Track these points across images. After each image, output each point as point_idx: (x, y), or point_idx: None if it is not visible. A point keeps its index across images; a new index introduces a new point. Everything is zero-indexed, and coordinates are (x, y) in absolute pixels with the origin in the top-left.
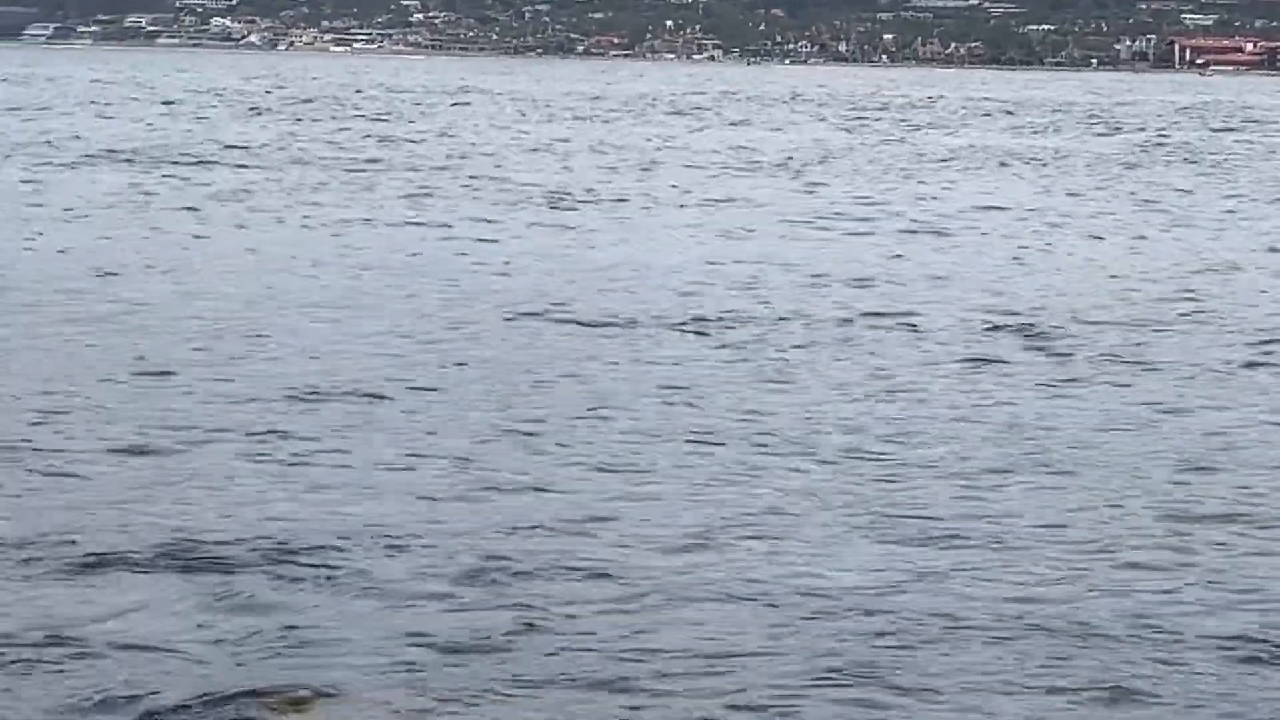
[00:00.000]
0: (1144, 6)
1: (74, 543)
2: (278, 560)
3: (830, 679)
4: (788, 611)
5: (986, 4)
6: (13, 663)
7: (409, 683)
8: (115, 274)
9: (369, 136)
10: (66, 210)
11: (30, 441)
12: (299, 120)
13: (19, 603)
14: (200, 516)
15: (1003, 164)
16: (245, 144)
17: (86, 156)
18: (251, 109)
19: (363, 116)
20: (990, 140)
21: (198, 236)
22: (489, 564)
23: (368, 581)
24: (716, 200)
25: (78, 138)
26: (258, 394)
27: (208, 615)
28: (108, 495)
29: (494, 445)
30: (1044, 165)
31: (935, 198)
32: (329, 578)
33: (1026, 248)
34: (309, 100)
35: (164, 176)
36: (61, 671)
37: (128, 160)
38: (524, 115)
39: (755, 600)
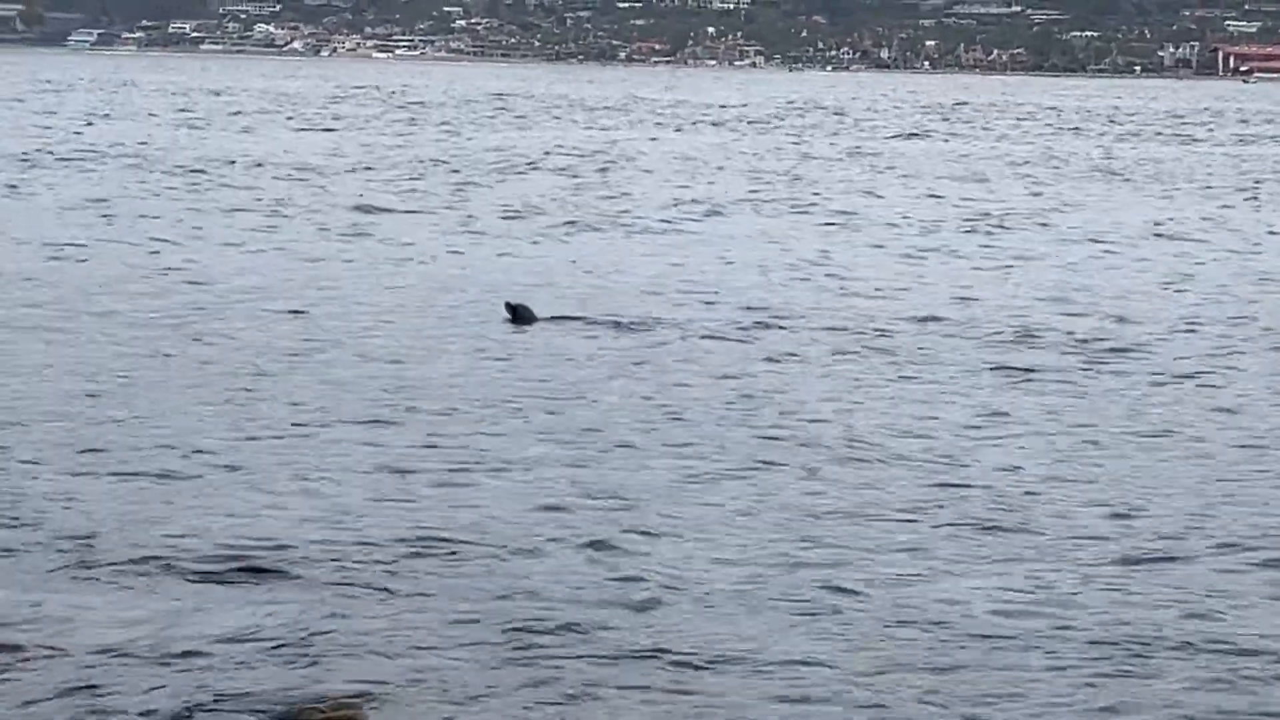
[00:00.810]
0: (1187, 13)
1: (131, 548)
2: (331, 568)
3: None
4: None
5: (1029, 10)
6: (65, 667)
7: (458, 692)
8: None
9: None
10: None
11: (104, 448)
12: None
13: (72, 608)
14: (255, 524)
15: None
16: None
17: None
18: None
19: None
20: None
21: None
22: (545, 578)
23: (422, 590)
24: None
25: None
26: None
27: (257, 621)
28: (175, 501)
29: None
30: None
31: None
32: (383, 586)
33: None
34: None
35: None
36: (111, 677)
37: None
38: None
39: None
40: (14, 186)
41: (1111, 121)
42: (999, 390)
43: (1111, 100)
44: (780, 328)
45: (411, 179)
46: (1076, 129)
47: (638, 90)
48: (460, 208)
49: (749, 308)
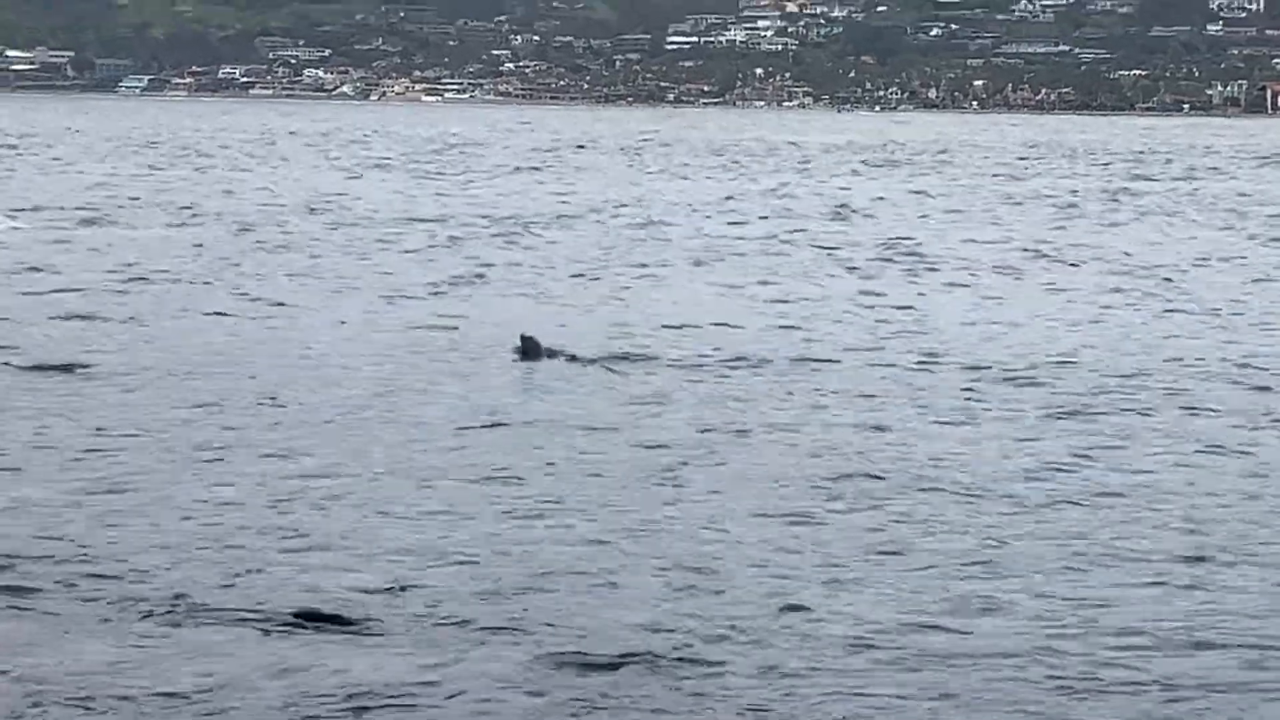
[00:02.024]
0: (1235, 52)
1: (218, 600)
2: (409, 617)
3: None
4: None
5: (1077, 50)
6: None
7: None
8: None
9: None
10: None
11: (182, 493)
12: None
13: (162, 656)
14: (333, 575)
15: None
16: None
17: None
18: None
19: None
20: None
21: None
22: (618, 619)
23: (502, 636)
24: None
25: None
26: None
27: (338, 673)
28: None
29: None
30: None
31: None
32: (463, 633)
33: None
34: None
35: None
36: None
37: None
38: None
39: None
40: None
41: None
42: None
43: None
44: None
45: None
46: None
47: (770, 131)
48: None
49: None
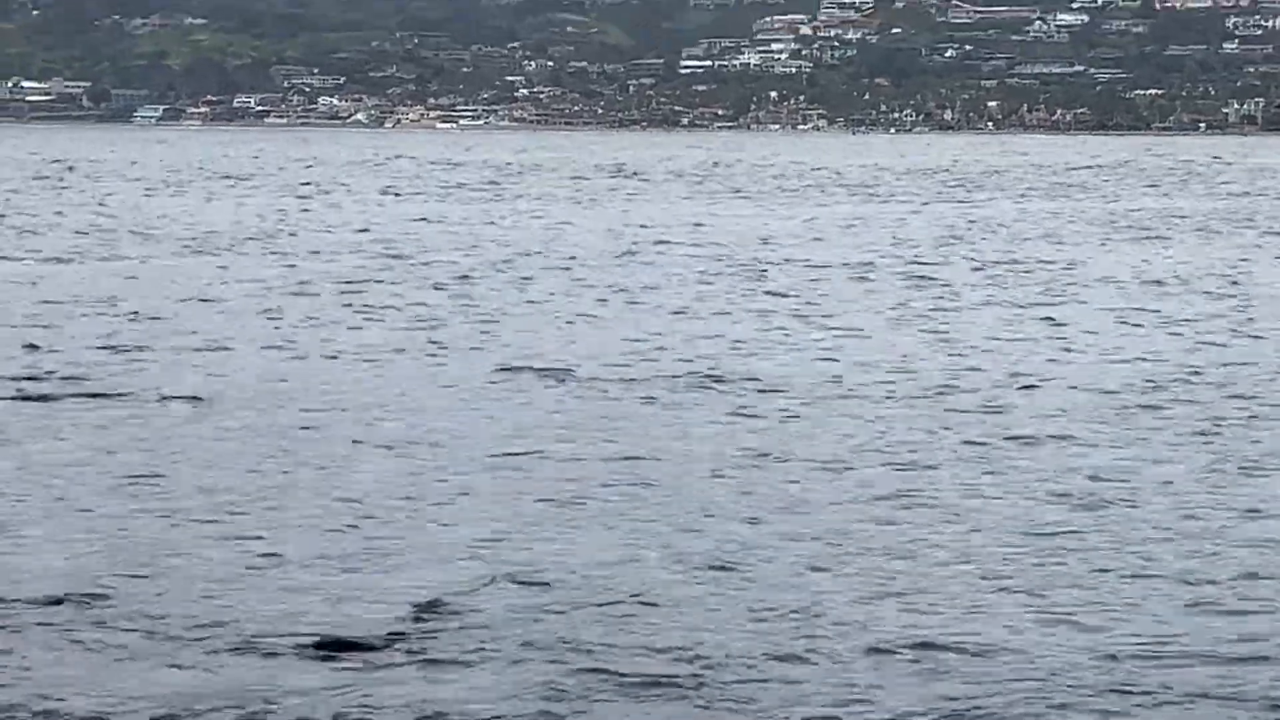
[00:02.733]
0: (1251, 70)
1: (231, 626)
2: (432, 642)
3: None
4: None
5: (1092, 70)
6: None
7: None
8: None
9: None
10: None
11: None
12: None
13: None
14: (347, 601)
15: None
16: None
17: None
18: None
19: None
20: None
21: None
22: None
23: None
24: None
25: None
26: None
27: (367, 697)
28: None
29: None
30: None
31: None
32: (481, 657)
33: None
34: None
35: None
36: None
37: None
38: None
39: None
40: None
41: None
42: None
43: None
44: None
45: None
46: None
47: (801, 155)
48: None
49: None
